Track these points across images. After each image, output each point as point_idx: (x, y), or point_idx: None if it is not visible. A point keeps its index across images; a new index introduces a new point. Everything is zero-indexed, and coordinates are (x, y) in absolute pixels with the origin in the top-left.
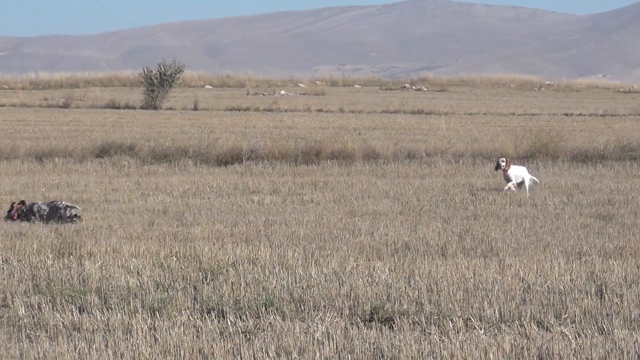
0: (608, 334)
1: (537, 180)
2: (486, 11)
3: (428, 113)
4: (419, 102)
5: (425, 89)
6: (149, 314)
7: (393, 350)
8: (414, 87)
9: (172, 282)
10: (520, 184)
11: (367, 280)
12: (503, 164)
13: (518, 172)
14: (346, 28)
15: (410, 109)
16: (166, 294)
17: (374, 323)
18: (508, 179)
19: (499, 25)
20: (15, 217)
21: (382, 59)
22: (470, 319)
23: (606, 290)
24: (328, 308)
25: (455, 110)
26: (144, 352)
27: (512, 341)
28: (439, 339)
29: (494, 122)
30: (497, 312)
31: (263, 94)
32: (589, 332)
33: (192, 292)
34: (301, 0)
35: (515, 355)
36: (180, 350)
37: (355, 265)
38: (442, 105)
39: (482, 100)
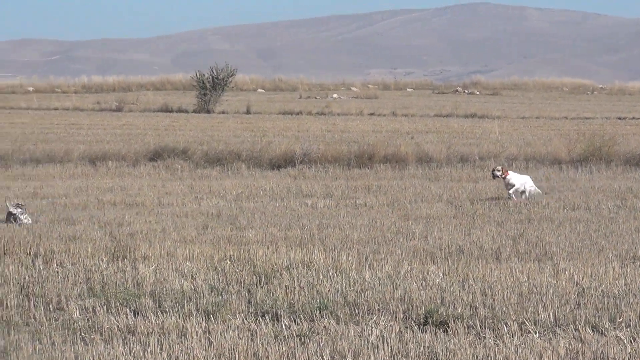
0: None
1: (540, 192)
2: (538, 15)
3: (481, 117)
4: (471, 106)
5: (478, 93)
6: (204, 318)
7: (448, 354)
8: (466, 91)
9: (227, 286)
10: (522, 193)
11: (421, 284)
12: (498, 173)
13: (522, 180)
14: (398, 32)
15: (463, 112)
16: (220, 297)
17: (429, 327)
18: (510, 186)
19: (550, 29)
20: None
21: (434, 62)
22: (524, 322)
23: None
24: (382, 312)
25: (508, 114)
26: (198, 355)
27: (567, 345)
28: (494, 343)
29: (547, 126)
30: (551, 316)
31: (315, 98)
32: None
33: (247, 295)
34: (352, 4)
35: (570, 359)
36: (235, 354)
37: (409, 269)
38: (495, 108)
39: (535, 103)
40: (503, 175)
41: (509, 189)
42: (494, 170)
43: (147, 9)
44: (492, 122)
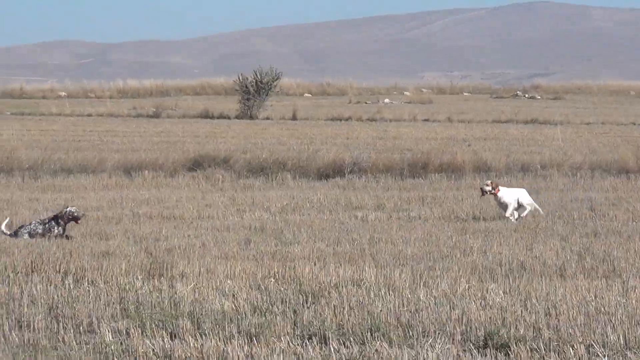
0: None
1: (539, 209)
2: (601, 14)
3: (542, 122)
4: (532, 111)
5: (539, 97)
6: (246, 340)
7: None
8: (526, 95)
9: (270, 306)
10: (520, 208)
11: (480, 304)
12: (488, 188)
13: (515, 195)
14: (453, 32)
15: (523, 118)
16: (264, 318)
17: (488, 350)
18: (503, 205)
19: (615, 29)
20: None
21: (492, 65)
22: (592, 345)
23: None
24: (438, 334)
25: (571, 119)
26: None
27: None
28: None
29: (613, 132)
30: (621, 337)
31: (366, 103)
32: None
33: (292, 316)
34: (404, 3)
35: None
36: None
37: (467, 287)
38: (557, 114)
39: (600, 108)
40: (494, 192)
41: (504, 210)
42: (482, 185)
43: (185, 9)
44: (555, 129)
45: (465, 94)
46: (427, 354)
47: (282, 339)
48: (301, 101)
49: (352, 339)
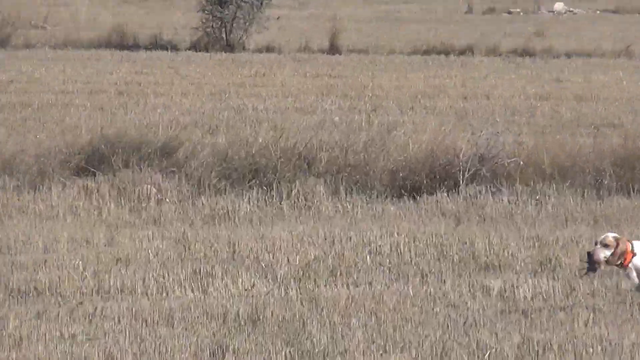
0: None
1: None
2: None
3: None
4: None
5: None
6: None
7: None
8: None
9: None
10: None
11: None
12: (604, 254)
13: None
14: None
15: None
16: None
17: None
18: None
19: None
20: None
21: None
22: None
23: None
24: None
25: None
26: None
27: None
28: None
29: None
30: None
31: (508, 13)
32: None
33: None
34: None
35: None
36: None
37: None
38: None
39: None
40: (621, 261)
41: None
42: (596, 246)
43: None
44: None
45: None
46: None
47: None
48: (347, 10)
49: None
